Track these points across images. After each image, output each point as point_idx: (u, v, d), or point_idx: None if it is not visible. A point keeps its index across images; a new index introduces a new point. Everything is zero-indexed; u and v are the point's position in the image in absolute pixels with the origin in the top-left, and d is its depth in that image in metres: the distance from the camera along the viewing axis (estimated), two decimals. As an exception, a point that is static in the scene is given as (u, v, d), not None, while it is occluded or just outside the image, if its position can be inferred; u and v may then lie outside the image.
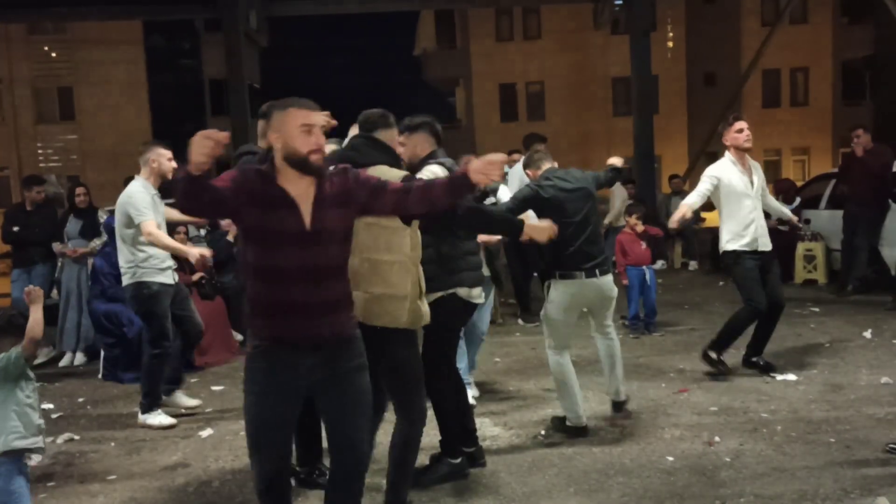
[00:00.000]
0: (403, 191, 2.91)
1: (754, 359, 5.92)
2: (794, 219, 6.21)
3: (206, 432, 5.14)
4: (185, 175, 2.51)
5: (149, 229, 5.06)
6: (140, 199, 5.15)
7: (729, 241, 5.72)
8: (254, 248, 2.75)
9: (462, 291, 3.98)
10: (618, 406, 5.11)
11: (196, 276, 7.31)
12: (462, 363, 5.16)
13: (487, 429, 4.92)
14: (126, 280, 5.27)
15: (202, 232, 8.51)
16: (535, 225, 3.69)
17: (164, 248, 5.18)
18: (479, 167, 2.73)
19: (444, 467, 4.11)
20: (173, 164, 5.29)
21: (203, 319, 7.13)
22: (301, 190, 2.76)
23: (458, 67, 30.17)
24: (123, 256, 5.27)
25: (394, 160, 3.55)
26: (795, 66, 28.75)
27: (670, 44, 27.44)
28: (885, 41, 26.48)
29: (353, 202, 2.84)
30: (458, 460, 4.13)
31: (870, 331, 6.99)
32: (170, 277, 5.35)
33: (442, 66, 31.01)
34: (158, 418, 5.32)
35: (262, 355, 2.76)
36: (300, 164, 2.74)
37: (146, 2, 18.83)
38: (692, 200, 5.74)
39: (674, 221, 5.73)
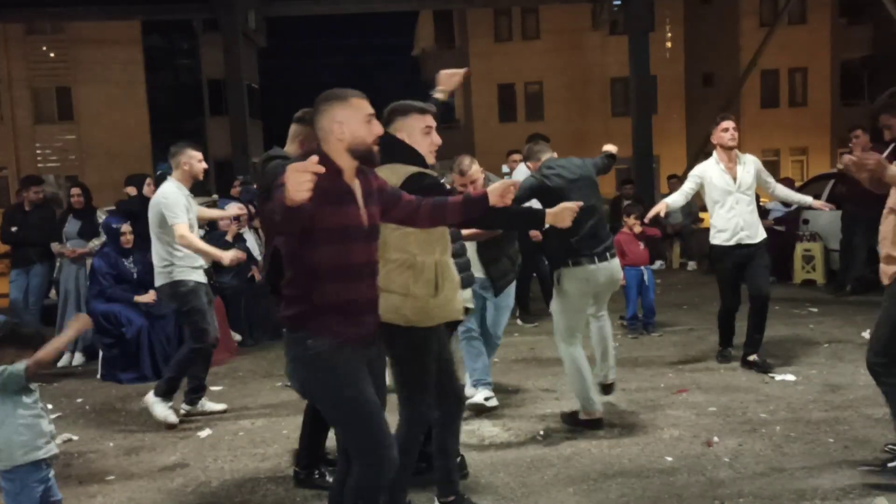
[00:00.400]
0: (414, 206, 3.00)
1: (751, 358, 5.95)
2: (819, 203, 6.22)
3: (205, 433, 5.14)
4: (284, 208, 2.39)
5: (181, 232, 5.13)
6: (174, 201, 5.19)
7: (713, 237, 5.99)
8: (327, 247, 2.70)
9: None
10: (607, 389, 5.24)
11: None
12: (478, 364, 5.19)
13: (486, 429, 4.92)
14: (161, 280, 5.30)
15: (201, 232, 8.50)
16: (555, 211, 3.65)
17: (196, 251, 5.24)
18: (498, 191, 2.96)
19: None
20: (203, 164, 5.44)
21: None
22: (355, 186, 2.81)
23: (456, 67, 29.99)
24: (158, 255, 5.29)
25: (409, 157, 3.45)
26: (794, 66, 28.78)
27: (668, 44, 27.45)
28: (884, 41, 26.51)
29: (379, 202, 2.91)
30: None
31: (868, 331, 6.93)
32: (202, 276, 5.41)
33: (440, 66, 30.29)
34: (164, 412, 5.27)
35: (343, 349, 2.75)
36: (365, 153, 2.79)
37: (144, 1, 18.84)
38: (673, 199, 6.04)
39: (649, 216, 5.95)
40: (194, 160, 5.36)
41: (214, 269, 7.54)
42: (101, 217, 7.95)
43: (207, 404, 5.64)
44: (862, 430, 4.53)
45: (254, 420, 5.42)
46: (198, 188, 5.69)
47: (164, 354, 6.77)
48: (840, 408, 4.98)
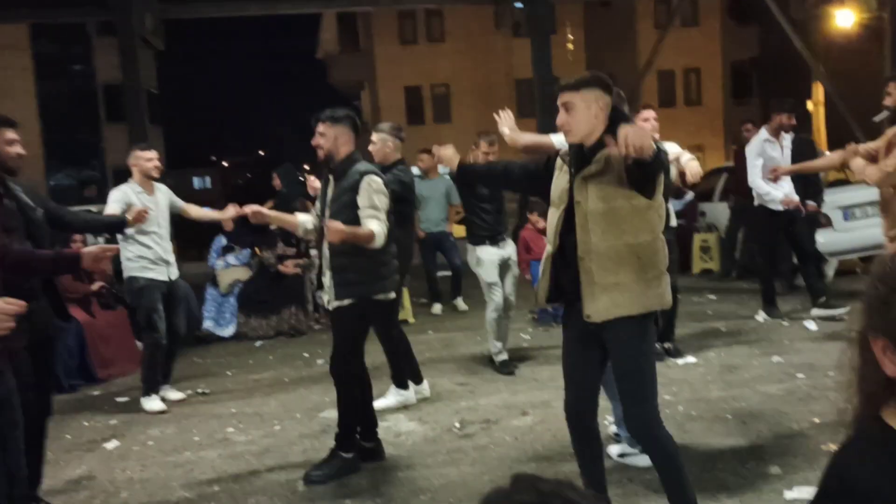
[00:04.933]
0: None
1: (666, 346, 6.13)
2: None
3: (112, 444, 4.99)
4: None
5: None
6: (110, 197, 5.62)
7: None
8: None
9: (379, 297, 4.12)
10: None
11: (96, 286, 7.08)
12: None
13: (402, 424, 4.96)
14: (125, 275, 5.74)
15: (100, 240, 8.23)
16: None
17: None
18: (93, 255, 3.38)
19: (337, 461, 4.14)
20: (154, 163, 5.74)
21: (105, 331, 6.96)
22: None
23: (362, 70, 30.11)
24: (122, 253, 5.60)
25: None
26: (688, 66, 29.96)
27: (570, 46, 28.12)
28: (770, 42, 27.88)
29: None
30: (350, 455, 4.17)
31: (761, 314, 7.37)
32: (162, 274, 5.69)
33: (346, 69, 30.88)
34: (152, 403, 5.68)
35: None
36: None
37: (33, 4, 18.02)
38: None
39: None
40: (142, 160, 5.68)
41: (116, 276, 7.33)
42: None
43: (168, 392, 5.96)
44: (757, 407, 4.78)
45: (163, 428, 5.30)
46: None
47: (65, 367, 6.52)
48: (737, 386, 5.24)
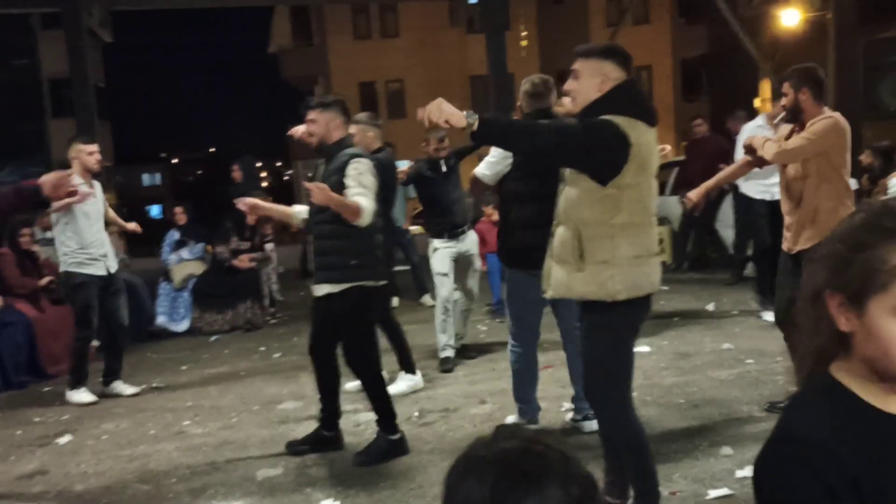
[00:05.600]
0: None
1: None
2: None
3: (65, 439, 4.90)
4: None
5: None
6: None
7: None
8: None
9: (368, 283, 4.09)
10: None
11: (45, 281, 6.94)
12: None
13: (362, 414, 4.96)
14: (60, 269, 5.73)
15: (48, 234, 8.06)
16: None
17: None
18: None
19: (383, 444, 4.18)
20: (96, 157, 5.64)
21: (54, 326, 6.82)
22: None
23: (316, 65, 29.87)
24: (58, 247, 5.69)
25: None
26: (640, 64, 30.28)
27: (524, 42, 28.31)
28: (719, 40, 28.41)
29: None
30: (396, 436, 4.20)
31: (712, 304, 7.55)
32: (100, 269, 5.65)
33: (299, 63, 30.60)
34: (80, 395, 5.68)
35: None
36: None
37: (-26, -6, 17.47)
38: None
39: None
40: (84, 153, 5.56)
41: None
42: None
43: (120, 387, 5.93)
44: (709, 391, 4.90)
45: (118, 422, 5.22)
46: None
47: (13, 363, 6.39)
48: (689, 372, 5.36)
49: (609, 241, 2.96)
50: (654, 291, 3.11)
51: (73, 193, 5.03)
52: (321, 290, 4.12)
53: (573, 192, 3.03)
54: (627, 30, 23.63)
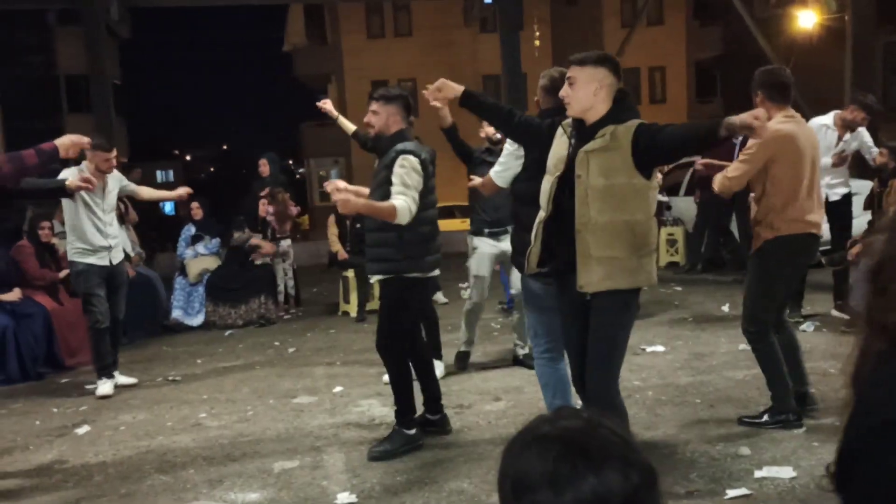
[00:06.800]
0: None
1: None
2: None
3: (83, 429, 4.95)
4: None
5: None
6: (62, 173, 5.62)
7: None
8: None
9: (415, 274, 4.12)
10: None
11: (63, 273, 6.99)
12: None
13: (376, 409, 4.99)
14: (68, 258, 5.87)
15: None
16: None
17: None
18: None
19: (399, 438, 4.18)
20: (111, 163, 5.75)
21: (72, 318, 6.87)
22: None
23: (329, 64, 29.93)
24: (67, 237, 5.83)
25: None
26: (653, 65, 30.27)
27: (537, 42, 28.26)
28: (733, 42, 28.31)
29: None
30: (412, 432, 4.21)
31: (727, 304, 7.53)
32: (103, 259, 5.73)
33: (313, 62, 30.67)
34: (101, 388, 5.73)
35: None
36: None
37: (-6, -10, 17.61)
38: None
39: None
40: (100, 159, 5.65)
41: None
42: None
43: (118, 377, 5.95)
44: (725, 391, 4.90)
45: (135, 414, 5.26)
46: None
47: (31, 355, 6.45)
48: (704, 372, 5.35)
49: (651, 232, 3.24)
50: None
51: (87, 181, 5.11)
52: (373, 278, 4.27)
53: (626, 182, 3.11)
54: (641, 31, 23.58)
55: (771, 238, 4.05)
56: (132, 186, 6.19)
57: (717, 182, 4.19)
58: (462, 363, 5.90)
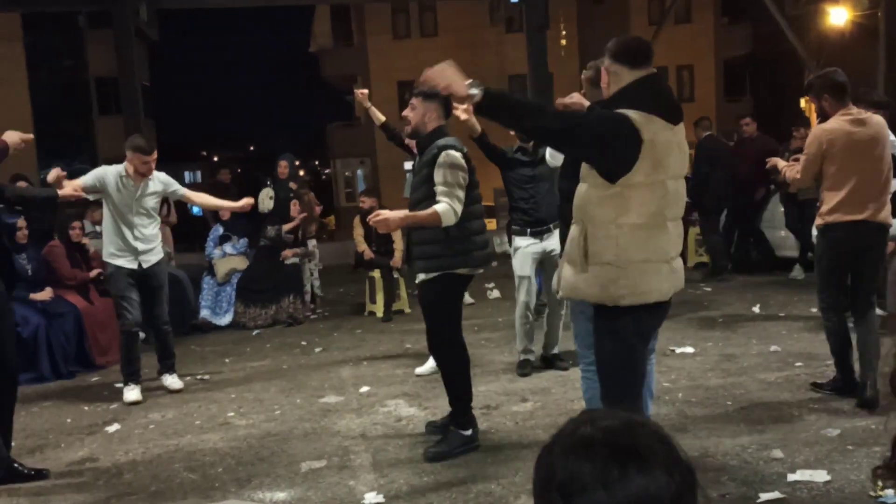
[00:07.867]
0: None
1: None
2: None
3: (113, 427, 4.99)
4: None
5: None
6: (94, 171, 5.65)
7: None
8: None
9: (463, 271, 4.09)
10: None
11: (94, 273, 7.07)
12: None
13: (403, 409, 4.98)
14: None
15: (98, 228, 8.21)
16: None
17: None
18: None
19: (455, 439, 4.15)
20: (150, 166, 5.61)
21: (103, 317, 6.95)
22: None
23: (355, 65, 30.05)
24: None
25: None
26: (681, 63, 30.00)
27: (563, 42, 28.13)
28: (763, 40, 28.00)
29: None
30: (468, 432, 4.18)
31: (758, 305, 7.42)
32: (131, 263, 5.61)
33: (339, 63, 30.83)
34: (127, 394, 5.60)
35: None
36: None
37: (26, -6, 17.86)
38: None
39: None
40: (138, 162, 5.53)
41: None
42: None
43: (165, 379, 5.97)
44: (756, 393, 4.82)
45: (164, 412, 5.30)
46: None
47: (63, 354, 6.52)
48: (735, 374, 5.28)
49: (614, 242, 2.82)
50: (663, 300, 2.96)
51: (60, 179, 4.90)
52: (418, 277, 4.19)
53: (583, 188, 2.93)
54: (669, 29, 23.41)
55: (821, 224, 4.54)
56: (182, 191, 6.02)
57: (789, 179, 4.73)
58: (521, 369, 5.69)
